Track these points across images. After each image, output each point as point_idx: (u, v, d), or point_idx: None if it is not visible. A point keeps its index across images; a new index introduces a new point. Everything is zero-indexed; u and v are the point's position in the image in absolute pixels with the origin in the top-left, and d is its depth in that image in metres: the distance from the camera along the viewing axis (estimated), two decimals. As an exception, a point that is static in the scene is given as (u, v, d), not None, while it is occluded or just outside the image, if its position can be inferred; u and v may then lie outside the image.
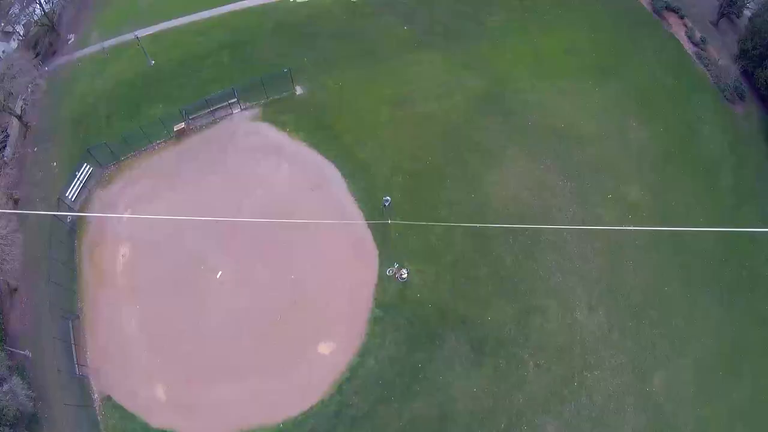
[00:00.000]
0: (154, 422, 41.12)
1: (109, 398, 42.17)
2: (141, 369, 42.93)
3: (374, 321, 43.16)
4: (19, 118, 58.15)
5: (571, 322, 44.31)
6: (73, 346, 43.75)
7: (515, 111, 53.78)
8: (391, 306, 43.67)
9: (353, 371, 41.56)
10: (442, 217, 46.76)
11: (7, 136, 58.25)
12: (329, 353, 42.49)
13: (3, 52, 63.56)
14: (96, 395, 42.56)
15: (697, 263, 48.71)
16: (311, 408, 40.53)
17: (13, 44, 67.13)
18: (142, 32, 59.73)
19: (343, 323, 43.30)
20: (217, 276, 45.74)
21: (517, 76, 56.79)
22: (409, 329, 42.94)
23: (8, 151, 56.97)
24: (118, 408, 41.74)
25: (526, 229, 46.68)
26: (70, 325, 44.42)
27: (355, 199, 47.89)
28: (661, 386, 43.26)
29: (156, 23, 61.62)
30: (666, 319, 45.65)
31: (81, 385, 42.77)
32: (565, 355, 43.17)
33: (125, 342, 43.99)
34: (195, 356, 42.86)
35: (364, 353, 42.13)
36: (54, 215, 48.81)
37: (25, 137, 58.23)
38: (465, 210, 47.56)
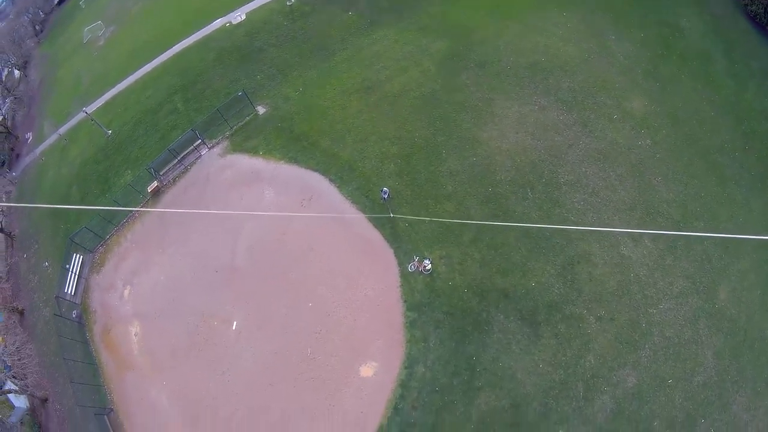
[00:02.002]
0: None
1: None
2: None
3: (410, 325, 35.86)
4: (2, 230, 54.67)
5: (619, 261, 36.76)
6: None
7: (489, 60, 46.44)
8: (423, 303, 36.35)
9: (404, 386, 34.34)
10: (448, 191, 39.68)
11: (-6, 253, 53.91)
12: (373, 374, 35.31)
13: None
14: None
15: (722, 159, 41.58)
16: None
17: None
18: (92, 107, 54.89)
19: (379, 337, 36.08)
20: (233, 327, 39.16)
21: (478, 25, 49.45)
22: (451, 322, 35.58)
23: (1, 266, 52.14)
24: None
25: (541, 176, 39.35)
26: (107, 421, 39.38)
27: (351, 202, 40.82)
28: (729, 299, 36.13)
29: (102, 93, 56.71)
30: (713, 225, 38.39)
31: None
32: (624, 298, 35.72)
33: (161, 422, 38.44)
34: (233, 416, 36.77)
35: (410, 363, 34.87)
36: (60, 315, 43.88)
37: (12, 248, 54.88)
38: (470, 176, 40.25)
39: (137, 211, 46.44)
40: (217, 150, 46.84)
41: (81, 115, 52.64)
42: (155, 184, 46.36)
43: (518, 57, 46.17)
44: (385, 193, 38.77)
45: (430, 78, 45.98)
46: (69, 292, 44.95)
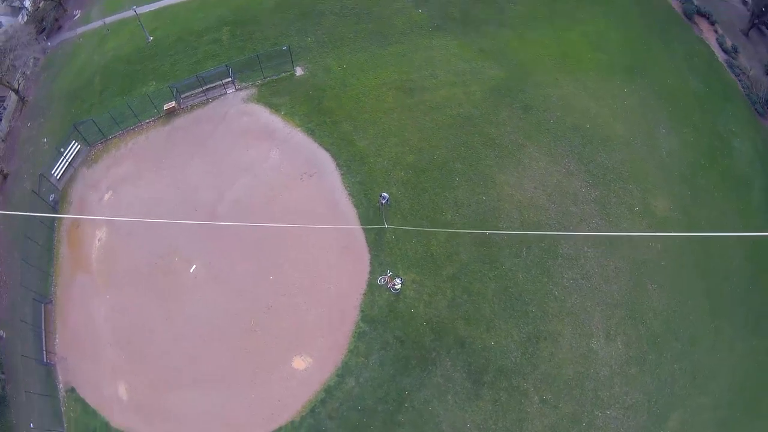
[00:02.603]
0: (115, 421, 34.08)
1: (73, 390, 35.50)
2: (106, 364, 35.82)
3: (358, 336, 33.94)
4: (17, 92, 52.96)
5: (585, 352, 34.72)
6: (42, 331, 37.64)
7: (536, 106, 44.01)
8: (379, 320, 34.34)
9: (329, 392, 32.62)
10: (446, 219, 37.51)
11: (4, 109, 53.13)
12: (304, 368, 33.58)
13: (11, 26, 56.88)
14: (61, 385, 36.04)
15: (725, 288, 39.42)
16: (279, 429, 32.17)
17: (21, 19, 60.94)
18: (145, 8, 52.73)
19: (323, 336, 34.21)
20: (191, 270, 37.38)
21: (539, 68, 47.03)
22: (398, 349, 33.60)
23: (3, 125, 51.86)
24: (81, 401, 35.07)
25: (542, 240, 37.18)
26: (42, 310, 38.24)
27: (350, 194, 38.61)
28: (678, 428, 34.15)
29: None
30: (689, 351, 36.39)
31: (48, 372, 36.64)
32: (576, 390, 33.75)
33: (92, 333, 37.05)
34: (160, 357, 35.28)
35: (343, 372, 33.09)
36: (36, 193, 42.55)
37: (21, 112, 53.09)
38: (473, 213, 38.03)
39: (147, 122, 44.62)
40: (242, 94, 44.68)
41: (130, 13, 50.30)
42: (173, 104, 44.43)
43: (565, 114, 43.83)
44: (384, 198, 36.79)
45: (472, 102, 43.61)
46: (55, 175, 43.42)
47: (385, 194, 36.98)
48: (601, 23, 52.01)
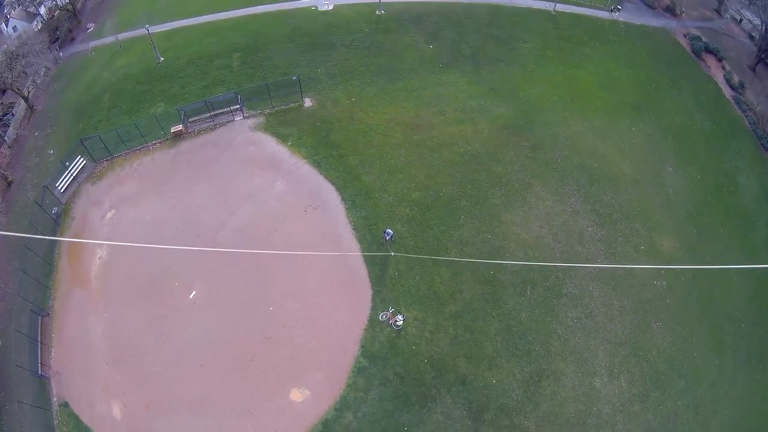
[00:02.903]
0: None
1: (66, 405, 34.29)
2: (100, 382, 34.71)
3: (358, 371, 33.20)
4: (26, 99, 52.83)
5: (588, 391, 34.10)
6: (38, 343, 36.67)
7: (544, 145, 44.04)
8: (379, 356, 33.67)
9: (327, 426, 31.70)
10: (450, 257, 36.92)
11: (12, 116, 52.86)
12: (302, 401, 32.67)
13: (24, 31, 57.00)
14: (54, 399, 34.81)
15: (728, 325, 39.22)
16: None
17: (36, 26, 61.14)
18: (158, 28, 52.83)
19: (322, 369, 33.45)
20: (190, 296, 36.69)
21: (548, 107, 47.17)
22: (398, 385, 32.87)
23: (10, 131, 51.51)
24: (74, 417, 33.80)
25: (547, 279, 36.80)
26: (39, 322, 37.34)
27: (353, 228, 38.18)
28: (680, 465, 33.27)
29: (173, 20, 54.56)
30: (692, 387, 35.91)
31: (42, 385, 35.48)
32: (577, 428, 33.02)
33: (88, 349, 36.04)
34: (156, 380, 34.27)
35: (342, 407, 32.21)
36: (39, 205, 41.64)
37: (29, 120, 52.91)
38: (478, 252, 37.60)
39: (153, 144, 44.29)
40: (250, 122, 44.57)
41: (143, 31, 50.44)
42: (180, 127, 44.27)
43: (572, 154, 43.85)
44: (388, 234, 36.43)
45: (480, 140, 43.57)
46: (59, 188, 43.01)
47: (389, 230, 36.65)
48: (610, 62, 52.56)
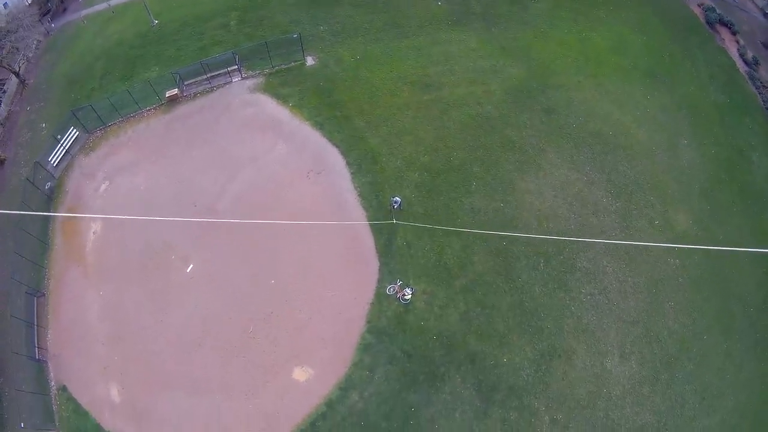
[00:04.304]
0: (106, 424, 30.11)
1: (65, 389, 31.57)
2: (98, 363, 31.92)
3: (364, 348, 30.30)
4: (17, 75, 48.83)
5: (599, 371, 31.21)
6: (35, 326, 33.79)
7: (558, 109, 40.23)
8: (386, 332, 30.70)
9: (331, 406, 29.00)
10: (461, 225, 33.63)
11: (4, 93, 48.92)
12: (305, 380, 29.92)
13: (15, 7, 52.60)
14: (53, 383, 32.08)
15: (737, 309, 35.93)
16: None
17: (27, 0, 56.50)
18: None
19: (327, 347, 30.55)
20: (188, 270, 33.61)
21: (561, 70, 43.18)
22: (405, 363, 29.99)
23: (2, 108, 47.71)
24: (73, 401, 31.13)
25: (561, 252, 33.57)
26: (34, 303, 34.38)
27: (359, 195, 34.82)
28: (684, 450, 30.78)
29: None
30: (700, 372, 32.99)
31: (40, 369, 32.82)
32: (587, 410, 30.28)
33: (85, 330, 33.10)
34: (154, 358, 31.46)
35: (347, 386, 29.47)
36: (31, 182, 38.27)
37: (21, 95, 48.96)
38: (490, 221, 34.27)
39: (148, 110, 40.61)
40: (249, 83, 40.78)
41: (137, -6, 46.56)
42: (175, 91, 40.58)
43: (587, 119, 40.10)
44: (396, 202, 33.11)
45: (491, 102, 39.78)
46: (52, 162, 39.58)
47: (398, 197, 33.33)
48: (624, 26, 48.29)
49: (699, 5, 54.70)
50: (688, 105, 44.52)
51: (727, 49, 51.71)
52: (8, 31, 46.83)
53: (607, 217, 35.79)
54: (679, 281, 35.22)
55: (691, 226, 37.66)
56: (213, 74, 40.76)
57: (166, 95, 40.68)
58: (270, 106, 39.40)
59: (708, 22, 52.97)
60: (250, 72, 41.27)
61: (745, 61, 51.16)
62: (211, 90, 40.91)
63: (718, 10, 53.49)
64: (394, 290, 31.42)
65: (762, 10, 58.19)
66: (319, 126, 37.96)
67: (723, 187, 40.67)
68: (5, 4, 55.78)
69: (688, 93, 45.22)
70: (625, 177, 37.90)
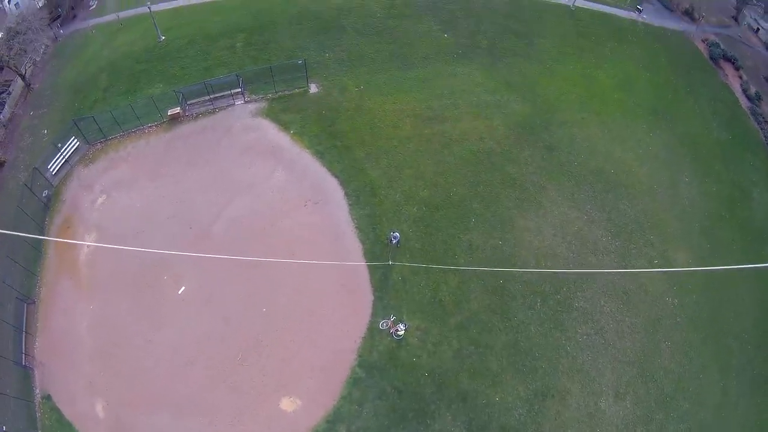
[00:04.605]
0: None
1: (49, 398, 30.72)
2: (84, 377, 31.12)
3: (354, 382, 29.55)
4: (23, 78, 48.63)
5: (593, 412, 30.49)
6: (23, 333, 33.13)
7: (560, 146, 40.04)
8: (377, 367, 29.99)
9: (318, 439, 28.32)
10: (459, 263, 33.16)
11: (8, 94, 48.49)
12: (292, 411, 29.09)
13: (26, 8, 52.57)
14: (37, 390, 31.32)
15: (735, 347, 35.54)
16: None
17: (38, 2, 56.54)
18: (161, 6, 48.96)
19: (315, 378, 29.78)
20: (179, 291, 32.94)
21: (565, 106, 43.11)
22: (395, 399, 29.22)
23: (5, 110, 47.36)
24: (56, 411, 30.24)
25: (558, 291, 33.10)
26: (24, 310, 33.71)
27: (356, 227, 34.28)
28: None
29: None
30: (696, 410, 32.35)
31: (25, 375, 32.14)
32: (578, 452, 29.58)
33: (73, 341, 32.38)
34: (141, 376, 30.68)
35: (334, 419, 28.62)
36: (29, 188, 37.65)
37: (25, 99, 48.70)
38: (488, 258, 33.80)
39: (149, 127, 40.26)
40: (251, 107, 40.50)
41: (145, 10, 46.50)
42: (177, 110, 40.28)
43: (589, 157, 39.89)
44: (395, 237, 32.52)
45: (494, 137, 39.52)
46: (51, 170, 39.17)
47: (396, 233, 32.71)
48: (628, 63, 48.56)
49: (703, 41, 55.03)
50: (690, 142, 44.56)
51: (730, 85, 52.18)
52: (17, 32, 46.68)
53: (606, 257, 35.37)
54: (677, 320, 34.85)
55: (691, 265, 37.26)
56: (216, 95, 40.52)
57: (168, 113, 40.40)
58: (271, 132, 39.05)
59: (712, 58, 53.50)
60: (254, 96, 41.01)
61: (748, 97, 51.65)
62: (214, 111, 40.61)
63: (722, 46, 53.85)
64: (387, 325, 30.76)
65: (766, 44, 58.38)
66: (320, 155, 37.55)
67: (723, 225, 40.56)
68: (17, 5, 55.90)
69: (690, 130, 45.27)
70: (625, 216, 37.60)
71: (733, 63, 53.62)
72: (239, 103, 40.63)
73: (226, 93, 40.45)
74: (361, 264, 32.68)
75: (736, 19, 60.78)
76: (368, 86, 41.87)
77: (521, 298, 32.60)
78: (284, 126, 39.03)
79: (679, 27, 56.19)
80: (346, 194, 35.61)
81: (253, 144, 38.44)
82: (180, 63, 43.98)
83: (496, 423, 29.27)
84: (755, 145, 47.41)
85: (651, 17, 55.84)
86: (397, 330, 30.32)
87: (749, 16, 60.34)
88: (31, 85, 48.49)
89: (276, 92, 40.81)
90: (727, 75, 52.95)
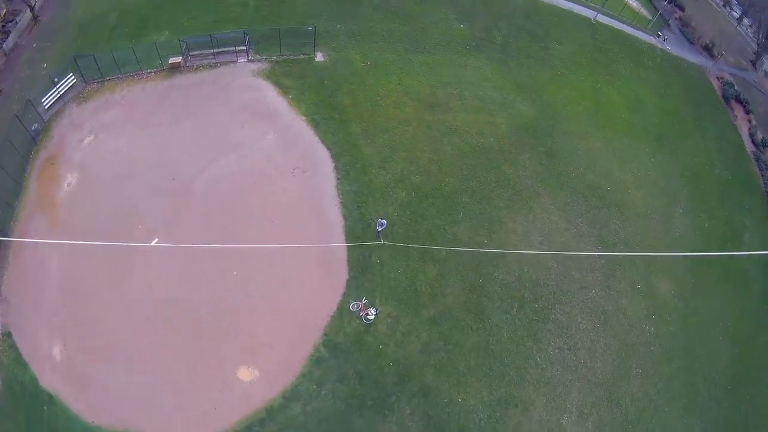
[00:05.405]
0: (44, 380, 27.65)
1: (9, 335, 29.08)
2: (46, 318, 29.43)
3: (316, 361, 27.93)
4: (32, 8, 46.25)
5: (554, 428, 29.11)
6: None
7: (560, 155, 38.37)
8: (342, 348, 28.38)
9: (270, 414, 26.55)
10: (440, 256, 31.50)
11: (15, 24, 46.10)
12: (248, 381, 27.48)
13: None
14: None
15: (703, 387, 34.27)
16: None
17: None
18: None
19: (277, 351, 28.11)
20: (152, 242, 31.00)
21: (571, 116, 41.43)
22: (356, 384, 27.68)
23: (10, 39, 44.92)
24: (15, 350, 28.68)
25: (537, 300, 31.58)
26: None
27: (341, 202, 32.48)
28: None
29: None
30: None
31: None
32: (534, 466, 28.22)
33: (40, 281, 30.51)
34: (101, 325, 28.90)
35: (291, 396, 27.03)
36: (19, 119, 35.40)
37: (31, 30, 46.32)
38: (471, 255, 31.96)
39: (148, 73, 38.25)
40: (253, 66, 38.44)
41: (160, -49, 44.16)
42: (179, 59, 38.22)
43: (587, 171, 38.31)
44: (381, 225, 30.69)
45: (494, 134, 37.74)
46: (44, 104, 37.17)
47: (383, 220, 30.80)
48: (641, 85, 47.01)
49: (718, 78, 53.67)
50: (691, 174, 43.22)
51: (739, 127, 50.89)
52: None
53: (591, 274, 33.86)
54: (651, 349, 33.51)
55: (672, 296, 35.97)
56: (220, 50, 38.41)
57: (169, 62, 38.32)
58: (270, 94, 37.06)
59: (724, 97, 52.17)
60: (257, 56, 39.04)
61: (754, 142, 50.48)
62: (215, 66, 38.58)
63: (736, 87, 52.53)
64: (358, 307, 29.09)
65: (780, 94, 57.12)
66: (315, 124, 35.65)
67: (710, 263, 39.13)
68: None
69: (692, 163, 43.91)
70: (615, 235, 36.13)
71: (745, 106, 52.38)
72: (242, 60, 38.63)
73: (230, 49, 38.37)
74: (341, 240, 30.90)
75: (754, 64, 59.51)
76: (375, 64, 39.94)
77: (498, 301, 31.01)
78: (284, 90, 37.05)
79: (697, 60, 54.82)
80: (336, 168, 33.78)
81: (250, 103, 36.44)
82: (190, 13, 41.81)
83: (455, 424, 27.80)
84: (754, 189, 46.36)
85: (670, 45, 54.45)
86: (367, 314, 28.56)
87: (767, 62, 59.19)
88: (39, 17, 46.14)
89: (281, 55, 38.86)
90: (736, 116, 51.77)
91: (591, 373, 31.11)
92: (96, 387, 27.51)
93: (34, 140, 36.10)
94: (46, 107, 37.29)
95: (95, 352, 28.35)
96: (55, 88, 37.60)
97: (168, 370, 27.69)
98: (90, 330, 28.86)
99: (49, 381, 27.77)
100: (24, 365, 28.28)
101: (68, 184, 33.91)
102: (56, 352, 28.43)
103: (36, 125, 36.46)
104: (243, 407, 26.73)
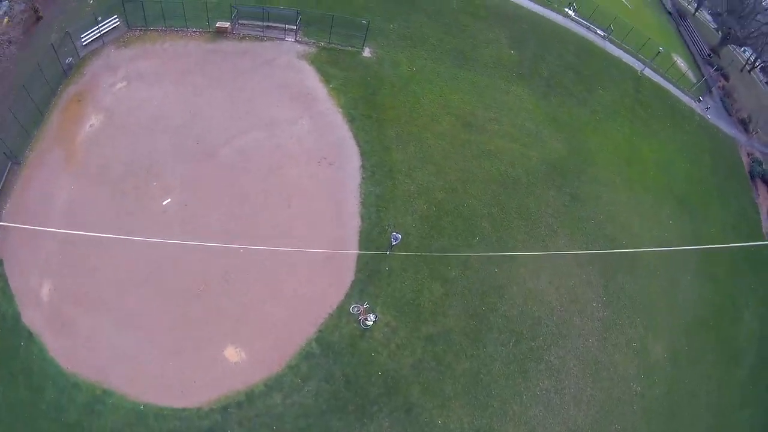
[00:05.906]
0: (26, 317, 26.87)
1: (1, 263, 28.23)
2: (41, 253, 28.62)
3: (306, 355, 27.18)
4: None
5: (529, 467, 28.59)
6: None
7: (584, 200, 37.77)
8: (334, 349, 27.63)
9: (250, 399, 25.86)
10: (449, 276, 30.81)
11: (67, -49, 44.82)
12: (234, 362, 26.76)
13: None
14: None
15: None
16: (183, 410, 25.24)
17: None
18: None
19: (269, 337, 27.41)
20: (164, 202, 30.38)
21: (601, 163, 40.89)
22: (340, 387, 26.94)
23: None
24: (3, 279, 27.84)
25: (535, 338, 30.90)
26: (7, 167, 31.13)
27: (361, 202, 31.74)
28: None
29: None
30: None
31: None
32: (499, 505, 27.59)
33: (43, 215, 29.64)
34: (95, 275, 28.12)
35: (274, 385, 26.33)
36: (54, 50, 34.85)
37: (86, -40, 45.51)
38: (480, 280, 31.43)
39: (193, 32, 37.44)
40: (300, 48, 37.73)
41: None
42: (227, 25, 37.51)
43: (607, 221, 37.68)
44: (395, 238, 29.95)
45: (524, 166, 37.12)
46: (83, 40, 36.40)
47: (398, 234, 30.04)
48: (674, 146, 46.59)
49: (749, 154, 53.17)
50: (705, 244, 42.48)
51: (760, 206, 50.25)
52: None
53: (591, 323, 33.23)
54: (634, 408, 32.84)
55: (665, 360, 35.45)
56: (270, 24, 37.72)
57: (217, 25, 37.61)
58: (311, 78, 36.32)
59: (751, 174, 51.66)
60: (306, 38, 38.29)
61: (771, 225, 50.10)
62: (261, 39, 37.83)
63: (764, 166, 51.93)
64: (358, 310, 28.41)
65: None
66: (351, 119, 34.91)
67: (706, 333, 38.71)
68: None
69: (708, 232, 43.42)
70: (621, 290, 35.51)
71: (769, 187, 52.09)
72: (290, 40, 37.85)
73: (280, 25, 37.65)
74: (354, 239, 30.20)
75: (786, 147, 59.20)
76: (421, 70, 39.22)
77: (497, 332, 30.33)
78: (326, 78, 36.33)
79: (731, 132, 54.45)
80: (363, 166, 33.01)
81: (290, 84, 35.69)
82: (253, -18, 40.98)
83: (430, 444, 27.32)
84: (763, 270, 45.59)
85: (709, 113, 54.07)
86: (366, 319, 27.98)
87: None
88: (98, -52, 45.52)
89: (329, 43, 38.13)
90: (759, 195, 51.08)
91: (572, 422, 30.44)
92: (78, 336, 26.78)
93: (66, 73, 35.33)
94: (84, 44, 36.55)
95: (83, 302, 27.62)
96: (96, 27, 36.87)
97: (155, 334, 26.98)
98: (83, 279, 28.13)
99: (30, 318, 27.05)
100: (9, 296, 27.51)
101: (91, 125, 33.16)
102: (44, 292, 27.71)
103: (70, 59, 35.68)
104: (223, 386, 26.04)
